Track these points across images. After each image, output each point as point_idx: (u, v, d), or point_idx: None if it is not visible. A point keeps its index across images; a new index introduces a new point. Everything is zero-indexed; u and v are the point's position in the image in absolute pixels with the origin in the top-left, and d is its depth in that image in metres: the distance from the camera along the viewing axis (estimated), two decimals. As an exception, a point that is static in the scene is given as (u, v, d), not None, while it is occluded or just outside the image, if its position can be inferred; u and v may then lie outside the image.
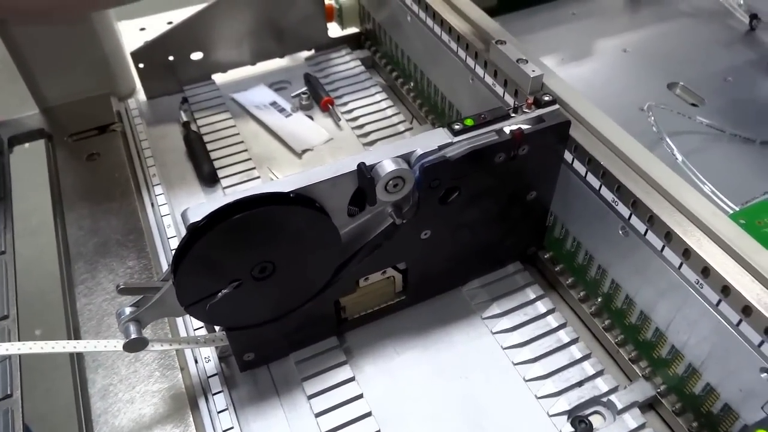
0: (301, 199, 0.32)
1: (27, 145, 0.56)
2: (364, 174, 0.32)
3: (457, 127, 0.35)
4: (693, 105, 0.55)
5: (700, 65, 0.59)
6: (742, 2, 0.65)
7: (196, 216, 0.30)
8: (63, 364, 0.39)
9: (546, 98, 0.37)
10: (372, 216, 0.35)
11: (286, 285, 0.35)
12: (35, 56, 0.54)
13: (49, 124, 0.57)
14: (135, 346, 0.33)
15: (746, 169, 0.49)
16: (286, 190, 0.31)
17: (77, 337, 0.41)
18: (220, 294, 0.32)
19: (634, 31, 0.64)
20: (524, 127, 0.36)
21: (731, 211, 0.43)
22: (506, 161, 0.36)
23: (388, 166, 0.33)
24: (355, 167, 0.33)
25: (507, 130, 0.35)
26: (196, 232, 0.30)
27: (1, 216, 0.49)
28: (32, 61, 0.55)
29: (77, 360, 0.40)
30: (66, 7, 0.47)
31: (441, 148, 0.34)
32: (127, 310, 0.33)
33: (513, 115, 0.36)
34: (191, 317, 0.36)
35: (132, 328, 0.33)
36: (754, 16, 0.63)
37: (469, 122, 0.35)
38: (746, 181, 0.47)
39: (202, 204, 0.31)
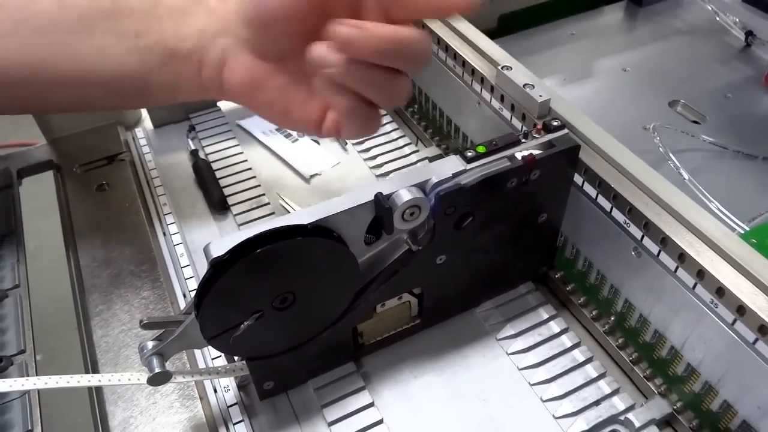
0: (321, 230, 0.32)
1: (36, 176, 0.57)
2: (382, 203, 0.33)
3: (469, 154, 0.35)
4: (695, 122, 0.56)
5: (699, 83, 0.60)
6: (737, 20, 0.66)
7: (218, 250, 0.31)
8: (82, 397, 0.39)
9: (555, 123, 0.37)
10: (388, 244, 0.36)
11: (306, 314, 0.35)
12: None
13: (58, 155, 0.57)
14: (159, 379, 0.33)
15: (750, 186, 0.50)
16: (304, 221, 0.32)
17: (95, 369, 0.41)
18: (242, 326, 0.33)
19: (633, 50, 0.65)
20: (535, 152, 0.36)
21: (739, 229, 0.43)
22: (518, 186, 0.37)
23: (405, 195, 0.33)
24: (372, 197, 0.33)
25: (518, 155, 0.36)
26: (219, 267, 0.30)
27: (13, 249, 0.49)
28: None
29: (96, 393, 0.40)
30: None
31: (455, 175, 0.35)
32: (150, 344, 0.33)
33: (523, 140, 0.37)
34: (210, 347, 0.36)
35: (155, 361, 0.33)
36: (749, 33, 0.64)
37: (481, 149, 0.36)
38: (751, 198, 0.48)
39: (223, 238, 0.31)
